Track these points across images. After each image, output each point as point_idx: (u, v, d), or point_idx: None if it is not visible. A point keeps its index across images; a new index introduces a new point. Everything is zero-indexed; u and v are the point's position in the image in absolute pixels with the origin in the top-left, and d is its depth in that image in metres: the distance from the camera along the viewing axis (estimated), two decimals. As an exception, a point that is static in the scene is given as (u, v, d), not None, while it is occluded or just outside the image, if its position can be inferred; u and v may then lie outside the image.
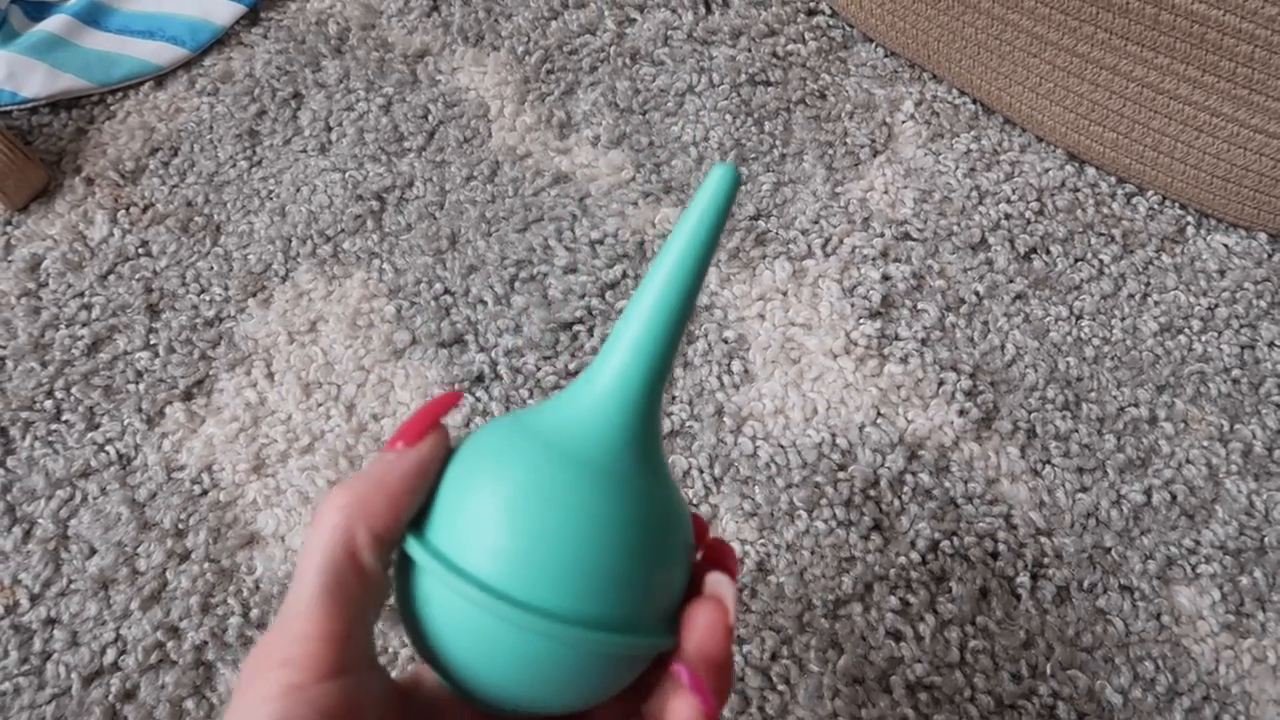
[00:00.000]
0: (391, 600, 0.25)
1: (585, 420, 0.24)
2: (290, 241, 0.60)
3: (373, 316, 0.57)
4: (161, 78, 0.67)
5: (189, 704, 0.46)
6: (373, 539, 0.23)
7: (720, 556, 0.27)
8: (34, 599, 0.49)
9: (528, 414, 0.26)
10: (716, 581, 0.25)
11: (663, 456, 0.26)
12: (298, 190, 0.62)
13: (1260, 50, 0.50)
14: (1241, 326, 0.57)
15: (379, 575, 0.23)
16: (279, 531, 0.51)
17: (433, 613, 0.23)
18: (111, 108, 0.66)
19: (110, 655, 0.47)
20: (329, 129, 0.65)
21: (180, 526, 0.51)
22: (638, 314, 0.25)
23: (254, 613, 0.48)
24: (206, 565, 0.50)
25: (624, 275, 0.58)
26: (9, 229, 0.61)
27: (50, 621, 0.48)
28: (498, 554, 0.23)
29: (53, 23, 0.67)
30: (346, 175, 0.62)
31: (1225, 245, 0.60)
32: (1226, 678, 0.48)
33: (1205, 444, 0.53)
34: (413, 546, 0.24)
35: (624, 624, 0.23)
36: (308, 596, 0.22)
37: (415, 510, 0.24)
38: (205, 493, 0.52)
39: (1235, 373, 0.55)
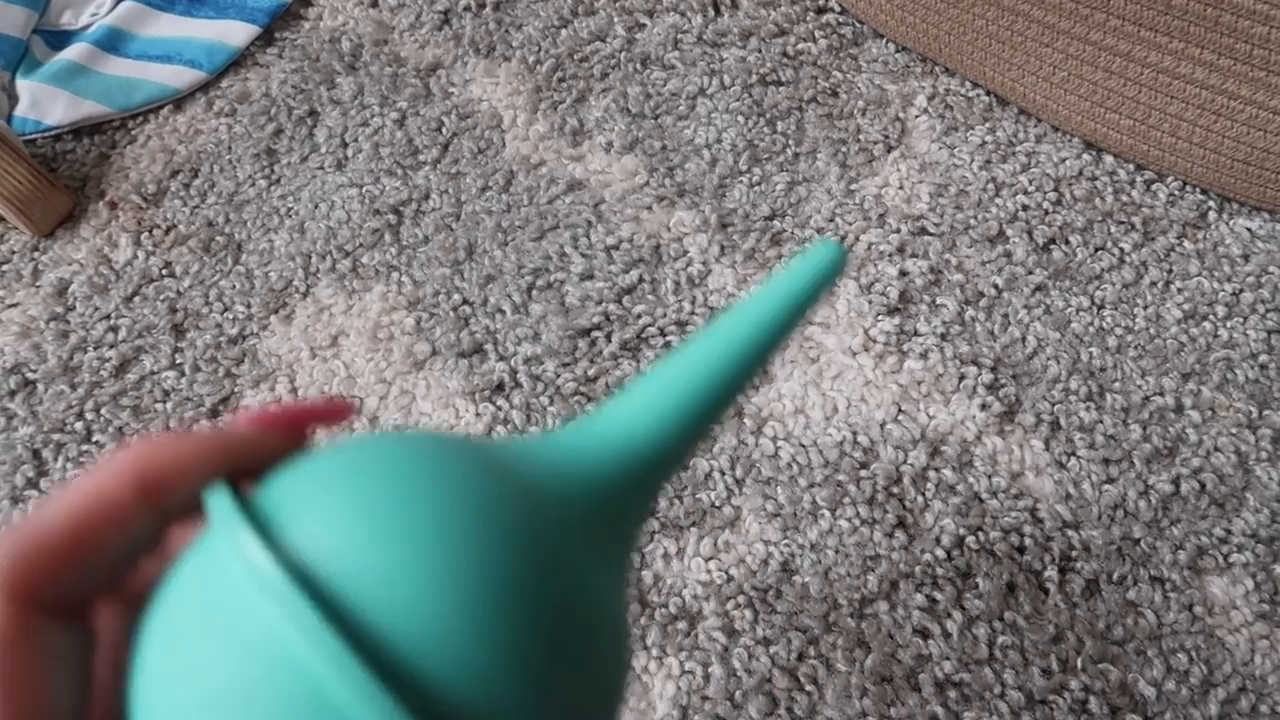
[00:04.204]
0: None
1: (560, 461, 0.18)
2: (310, 258, 0.60)
3: (393, 329, 0.58)
4: (180, 101, 0.68)
5: None
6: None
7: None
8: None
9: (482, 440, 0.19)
10: None
11: (629, 566, 0.19)
12: (316, 207, 0.63)
13: (1275, 31, 0.50)
14: (1268, 311, 0.56)
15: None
16: (306, 545, 0.51)
17: (180, 619, 0.16)
18: (132, 132, 0.67)
19: None
20: (345, 145, 0.65)
21: (210, 542, 0.51)
22: (685, 369, 0.19)
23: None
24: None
25: (640, 280, 0.58)
26: (36, 254, 0.62)
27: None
28: (339, 540, 0.15)
29: (73, 51, 0.68)
30: (363, 190, 0.63)
31: (1249, 229, 0.59)
32: (1262, 668, 0.47)
33: (1233, 431, 0.52)
34: (216, 498, 0.16)
35: None
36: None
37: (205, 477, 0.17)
38: (233, 508, 0.52)
39: (1262, 358, 0.55)
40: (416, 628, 0.14)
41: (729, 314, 0.19)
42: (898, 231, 0.59)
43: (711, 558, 0.50)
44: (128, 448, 0.17)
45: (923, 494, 0.51)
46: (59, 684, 0.16)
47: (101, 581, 0.17)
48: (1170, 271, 0.58)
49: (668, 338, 0.56)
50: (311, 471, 0.17)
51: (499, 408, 0.54)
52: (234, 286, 0.60)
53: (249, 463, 0.18)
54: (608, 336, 0.56)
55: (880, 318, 0.56)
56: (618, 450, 0.18)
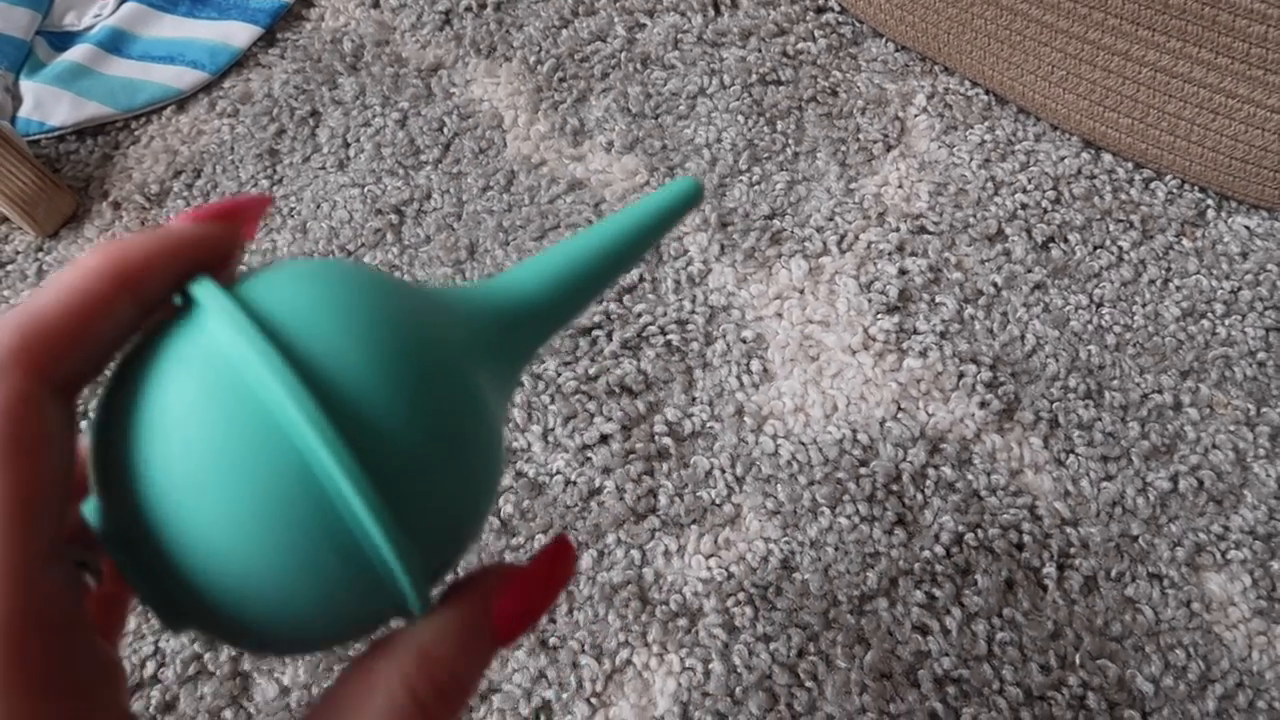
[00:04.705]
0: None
1: (464, 299, 0.22)
2: (312, 257, 0.61)
3: (395, 328, 0.58)
4: (183, 101, 0.69)
5: (227, 714, 0.47)
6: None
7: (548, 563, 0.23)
8: (75, 615, 0.50)
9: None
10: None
11: (509, 396, 0.24)
12: (318, 207, 0.63)
13: (1273, 30, 0.50)
14: (1266, 309, 0.56)
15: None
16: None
17: (161, 407, 0.18)
18: (135, 133, 0.67)
19: (150, 668, 0.48)
20: (347, 145, 0.66)
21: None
22: (562, 254, 0.24)
23: (288, 623, 0.49)
24: (240, 578, 0.51)
25: (640, 279, 0.59)
26: (40, 255, 0.62)
27: (91, 637, 0.50)
28: (316, 328, 0.19)
29: (76, 52, 0.69)
30: (365, 190, 0.63)
31: (1247, 227, 0.59)
32: (1260, 664, 0.47)
33: (1232, 428, 0.53)
34: (205, 289, 0.19)
35: (398, 511, 0.18)
36: None
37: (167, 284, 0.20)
38: (237, 507, 0.53)
39: (1260, 355, 0.55)
40: (363, 405, 0.18)
41: (603, 220, 0.25)
42: (897, 230, 0.60)
43: (712, 555, 0.50)
44: (95, 250, 0.19)
45: (922, 491, 0.51)
46: (56, 456, 0.18)
47: (91, 366, 0.19)
48: (1169, 269, 0.58)
49: (668, 336, 0.56)
50: (273, 272, 0.20)
51: (500, 406, 0.55)
52: (237, 286, 0.60)
53: (204, 255, 0.20)
54: (608, 335, 0.57)
55: (880, 316, 0.57)
56: (504, 301, 0.23)
